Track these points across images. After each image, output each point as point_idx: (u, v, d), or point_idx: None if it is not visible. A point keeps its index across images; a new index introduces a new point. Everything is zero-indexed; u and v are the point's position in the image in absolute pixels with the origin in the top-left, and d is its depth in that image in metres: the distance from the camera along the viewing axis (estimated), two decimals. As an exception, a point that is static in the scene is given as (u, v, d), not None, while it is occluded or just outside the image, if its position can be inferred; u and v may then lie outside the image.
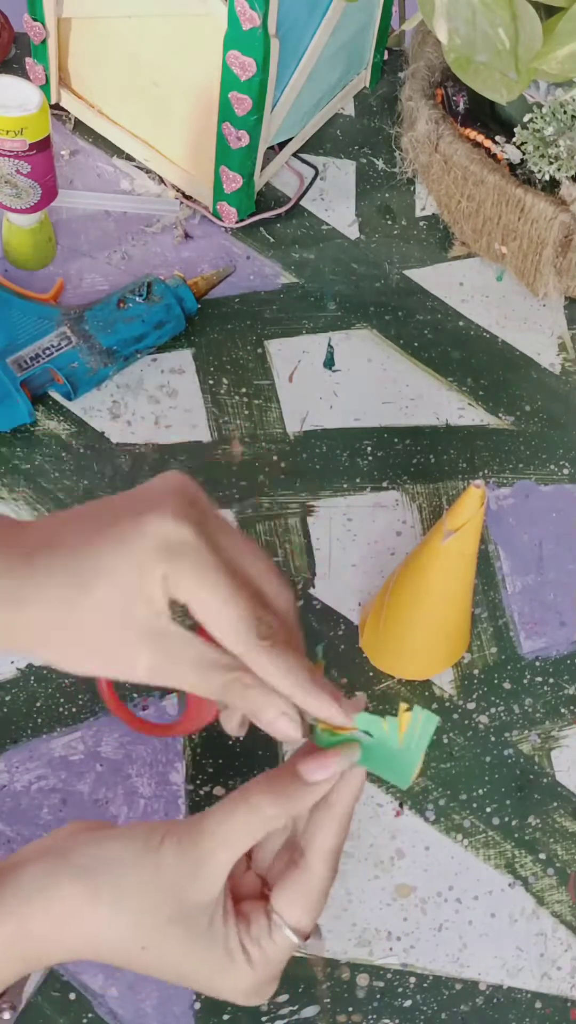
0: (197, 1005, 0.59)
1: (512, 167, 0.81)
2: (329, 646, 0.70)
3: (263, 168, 0.85)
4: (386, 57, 0.95)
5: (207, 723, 0.54)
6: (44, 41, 0.84)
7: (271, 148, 0.87)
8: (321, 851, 0.49)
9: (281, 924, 0.48)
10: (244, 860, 0.51)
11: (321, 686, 0.49)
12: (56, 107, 0.90)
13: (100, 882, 0.46)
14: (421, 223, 0.89)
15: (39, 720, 0.65)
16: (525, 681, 0.70)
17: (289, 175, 0.89)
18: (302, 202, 0.88)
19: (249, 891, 0.50)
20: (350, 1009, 0.59)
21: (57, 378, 0.74)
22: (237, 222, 0.85)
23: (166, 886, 0.46)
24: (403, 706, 0.49)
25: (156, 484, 0.50)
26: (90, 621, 0.47)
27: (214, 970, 0.48)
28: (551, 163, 0.79)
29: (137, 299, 0.76)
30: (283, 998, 0.59)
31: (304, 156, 0.90)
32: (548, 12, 0.59)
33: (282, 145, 0.88)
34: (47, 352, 0.73)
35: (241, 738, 0.54)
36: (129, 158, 0.88)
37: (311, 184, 0.89)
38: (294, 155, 0.90)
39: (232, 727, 0.53)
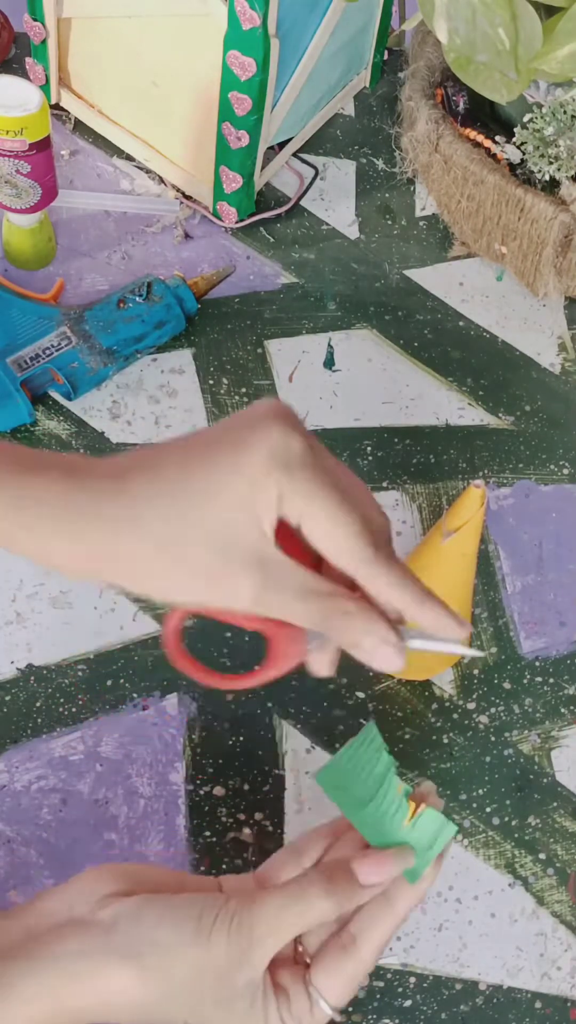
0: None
1: (512, 167, 0.81)
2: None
3: (263, 168, 0.85)
4: (386, 57, 0.95)
5: (292, 668, 0.50)
6: (44, 41, 0.84)
7: (271, 148, 0.87)
8: (372, 942, 0.50)
9: (321, 1001, 0.49)
10: None
11: (435, 599, 0.47)
12: (56, 107, 0.90)
13: (150, 969, 0.46)
14: (421, 223, 0.89)
15: (39, 720, 0.65)
16: (525, 681, 0.70)
17: (289, 175, 0.89)
18: (302, 202, 0.88)
19: (284, 955, 0.51)
20: (350, 1009, 0.59)
21: (57, 378, 0.74)
22: (237, 222, 0.85)
23: (214, 972, 0.47)
24: (424, 805, 0.51)
25: (255, 406, 0.47)
26: (195, 548, 0.45)
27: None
28: (551, 163, 0.79)
29: (137, 299, 0.76)
30: (283, 998, 0.60)
31: (304, 156, 0.90)
32: (548, 12, 0.59)
33: (282, 145, 0.88)
34: (47, 352, 0.73)
35: (333, 675, 0.51)
36: (129, 158, 0.88)
37: (311, 184, 0.89)
38: (294, 155, 0.90)
39: (322, 666, 0.50)
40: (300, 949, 0.51)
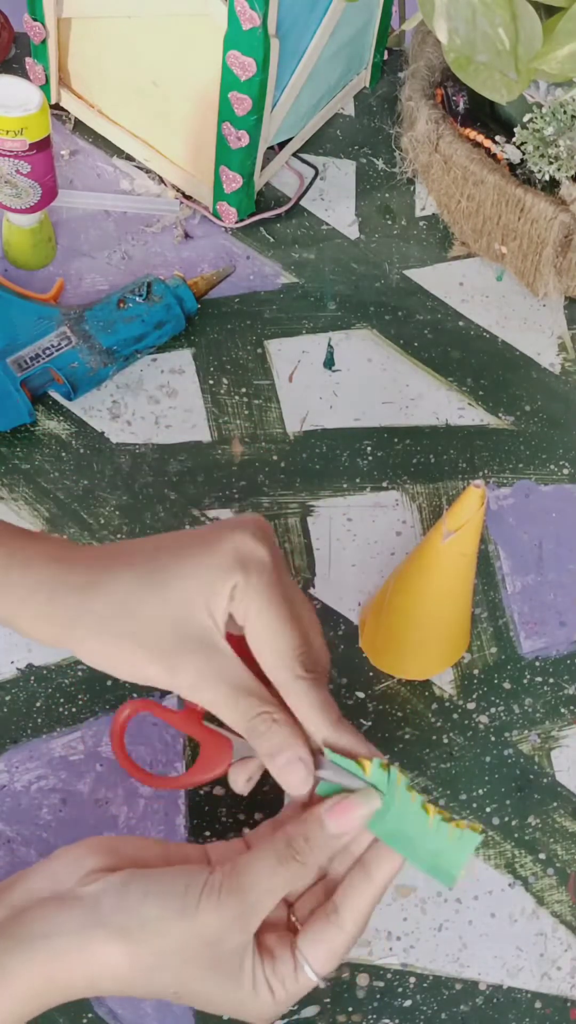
0: (197, 1005, 0.59)
1: (512, 167, 0.81)
2: (329, 646, 0.70)
3: (263, 168, 0.85)
4: (386, 57, 0.95)
5: (216, 776, 0.54)
6: (44, 41, 0.84)
7: (271, 148, 0.87)
8: (354, 913, 0.50)
9: (307, 968, 0.50)
10: None
11: (350, 725, 0.51)
12: (56, 107, 0.90)
13: (139, 944, 0.47)
14: (421, 223, 0.89)
15: (39, 720, 0.65)
16: (525, 681, 0.70)
17: (289, 175, 0.89)
18: (302, 202, 0.88)
19: (275, 919, 0.51)
20: (350, 1009, 0.59)
21: (57, 378, 0.74)
22: (237, 222, 0.85)
23: (202, 942, 0.47)
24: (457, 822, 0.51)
25: (233, 519, 0.53)
26: (154, 618, 0.49)
27: (240, 1003, 0.49)
28: (551, 163, 0.79)
29: (137, 299, 0.76)
30: (283, 998, 0.60)
31: (304, 156, 0.90)
32: (548, 12, 0.59)
33: (282, 145, 0.88)
34: (47, 352, 0.73)
35: (245, 795, 0.55)
36: (129, 158, 0.88)
37: (311, 184, 0.89)
38: (294, 155, 0.90)
39: (239, 783, 0.54)
40: (293, 918, 0.52)
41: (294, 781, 0.51)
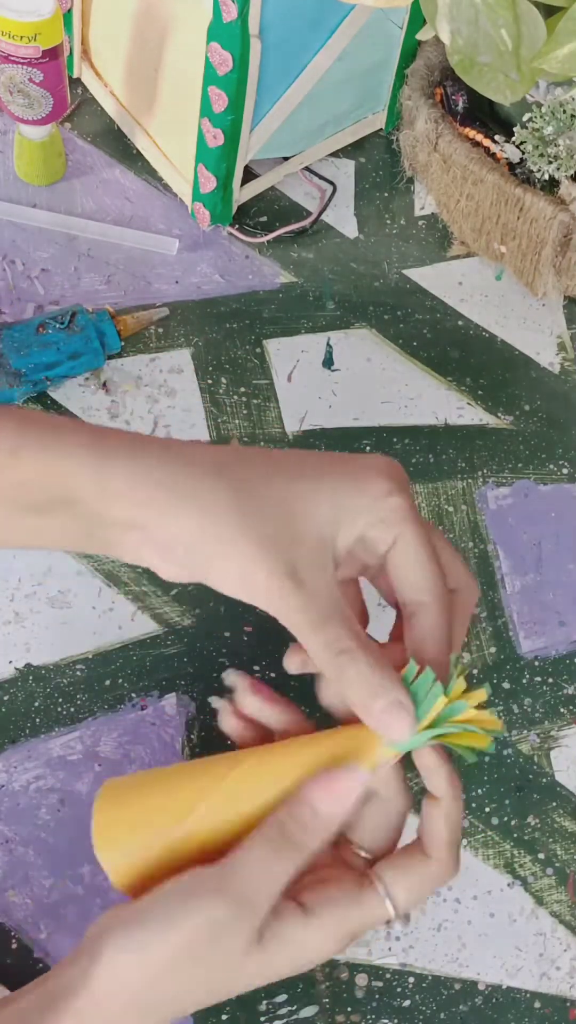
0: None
1: (511, 166, 0.81)
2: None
3: (253, 180, 0.84)
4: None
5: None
6: (71, 10, 0.84)
7: (276, 161, 0.86)
8: (439, 842, 0.46)
9: (383, 892, 0.45)
10: None
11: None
12: (75, 82, 0.89)
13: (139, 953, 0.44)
14: (420, 222, 0.89)
15: (37, 720, 0.65)
16: (524, 681, 0.70)
17: (310, 188, 0.88)
18: (300, 201, 0.88)
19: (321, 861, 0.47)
20: (349, 1009, 0.59)
21: None
22: (210, 227, 0.84)
23: (201, 949, 0.44)
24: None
25: (374, 457, 0.49)
26: (297, 525, 0.46)
27: (281, 965, 0.45)
28: (550, 162, 0.79)
29: (57, 325, 0.74)
30: (282, 998, 0.59)
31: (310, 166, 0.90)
32: (548, 12, 0.59)
33: (285, 160, 0.87)
34: None
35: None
36: (137, 152, 0.88)
37: (330, 199, 0.88)
38: (307, 169, 0.89)
39: (294, 664, 0.49)
40: (352, 849, 0.48)
41: (399, 728, 0.45)
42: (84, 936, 0.46)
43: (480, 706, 0.45)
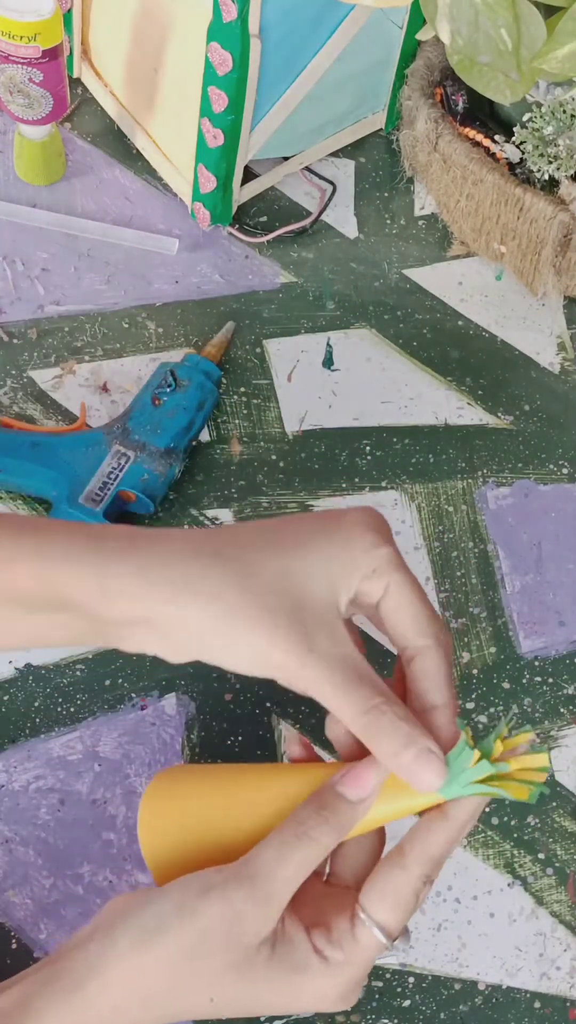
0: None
1: (511, 166, 0.81)
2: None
3: (253, 180, 0.84)
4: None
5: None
6: (71, 10, 0.84)
7: (274, 160, 0.86)
8: (424, 855, 0.46)
9: (368, 923, 0.46)
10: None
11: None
12: (75, 82, 0.89)
13: (149, 947, 0.45)
14: (420, 222, 0.89)
15: (37, 720, 0.65)
16: (524, 681, 0.70)
17: (309, 187, 0.88)
18: (300, 201, 0.88)
19: (321, 893, 0.49)
20: (349, 1009, 0.59)
21: (129, 496, 0.71)
22: (210, 227, 0.84)
23: (214, 939, 0.45)
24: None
25: (356, 511, 0.50)
26: (297, 594, 0.47)
27: (290, 992, 0.46)
28: (550, 162, 0.79)
29: (168, 391, 0.73)
30: (282, 998, 0.59)
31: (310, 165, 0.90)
32: (548, 12, 0.59)
33: (284, 160, 0.87)
34: (112, 476, 0.70)
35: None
36: (137, 152, 0.88)
37: (330, 199, 0.88)
38: (307, 170, 0.89)
39: (338, 732, 0.50)
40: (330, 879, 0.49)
41: (429, 776, 0.45)
42: (92, 921, 0.47)
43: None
